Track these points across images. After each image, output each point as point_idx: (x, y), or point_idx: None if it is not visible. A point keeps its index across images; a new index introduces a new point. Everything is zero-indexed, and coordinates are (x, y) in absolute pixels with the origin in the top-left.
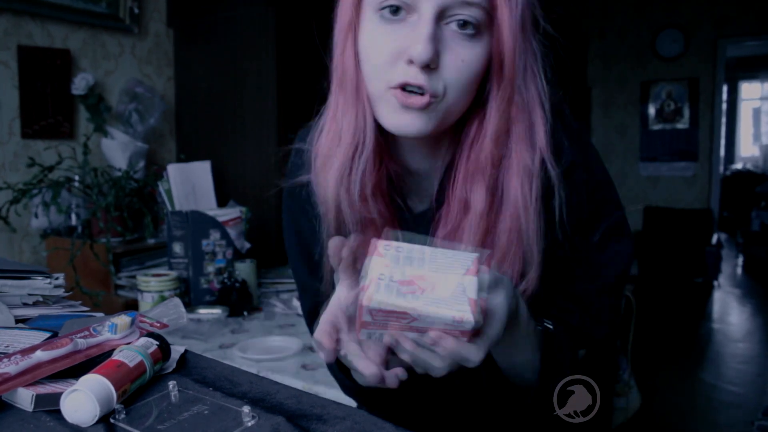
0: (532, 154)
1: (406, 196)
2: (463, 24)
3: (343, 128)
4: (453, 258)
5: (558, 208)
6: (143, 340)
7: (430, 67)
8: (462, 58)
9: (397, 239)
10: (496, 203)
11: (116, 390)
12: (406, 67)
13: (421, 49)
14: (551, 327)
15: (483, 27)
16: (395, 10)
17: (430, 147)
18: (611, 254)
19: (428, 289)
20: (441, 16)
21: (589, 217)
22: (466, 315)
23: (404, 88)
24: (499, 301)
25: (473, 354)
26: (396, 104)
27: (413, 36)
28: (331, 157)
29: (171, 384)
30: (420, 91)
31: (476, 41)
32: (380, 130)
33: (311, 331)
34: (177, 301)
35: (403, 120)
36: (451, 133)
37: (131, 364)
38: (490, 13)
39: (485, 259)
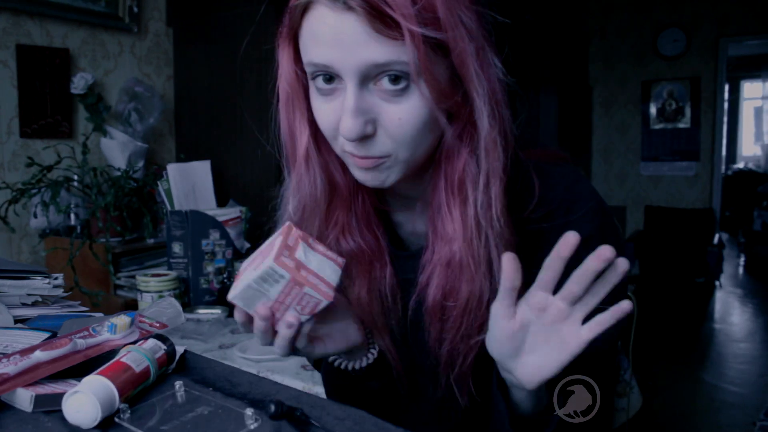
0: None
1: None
2: (392, 81)
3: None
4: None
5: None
6: (152, 342)
7: (367, 136)
8: (398, 116)
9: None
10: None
11: (120, 395)
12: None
13: (346, 128)
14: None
15: (412, 76)
16: (327, 80)
17: (411, 178)
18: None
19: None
20: (366, 80)
21: None
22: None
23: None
24: None
25: None
26: (353, 164)
27: (342, 110)
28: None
29: (177, 384)
30: (366, 156)
31: (408, 94)
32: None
33: None
34: (171, 299)
35: (365, 176)
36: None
37: (138, 370)
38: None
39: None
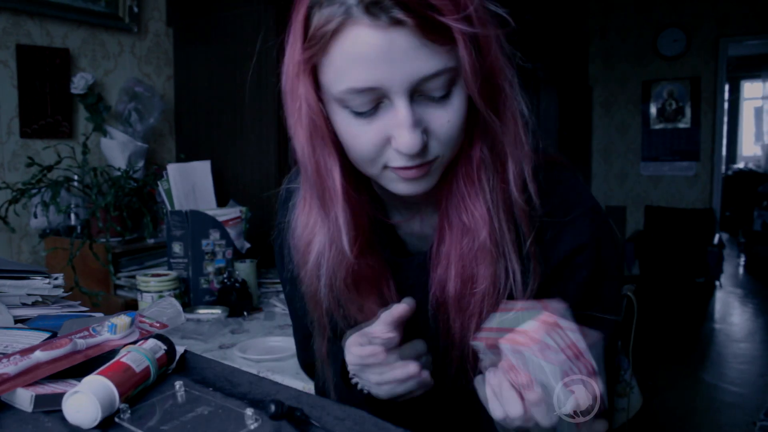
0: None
1: (405, 234)
2: (440, 88)
3: (310, 225)
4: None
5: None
6: (152, 342)
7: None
8: (446, 119)
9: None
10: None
11: (120, 395)
12: (396, 153)
13: (407, 144)
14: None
15: (458, 79)
16: (368, 101)
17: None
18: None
19: None
20: (414, 92)
21: (563, 279)
22: None
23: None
24: None
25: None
26: (397, 178)
27: (394, 125)
28: (306, 246)
29: (177, 384)
30: (419, 164)
31: (452, 98)
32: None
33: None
34: (171, 299)
35: (408, 188)
36: None
37: (138, 369)
38: (457, 68)
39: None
